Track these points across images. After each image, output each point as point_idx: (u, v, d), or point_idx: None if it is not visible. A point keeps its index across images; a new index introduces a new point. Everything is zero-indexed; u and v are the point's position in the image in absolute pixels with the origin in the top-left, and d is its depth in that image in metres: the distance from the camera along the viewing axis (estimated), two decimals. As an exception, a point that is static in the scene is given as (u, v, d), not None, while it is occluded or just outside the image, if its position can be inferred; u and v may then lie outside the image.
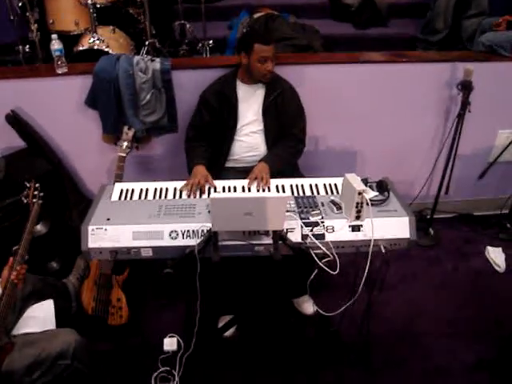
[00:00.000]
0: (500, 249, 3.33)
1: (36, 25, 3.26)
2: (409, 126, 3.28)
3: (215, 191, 2.28)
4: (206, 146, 2.68)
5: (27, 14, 3.21)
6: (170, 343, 2.38)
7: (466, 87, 2.94)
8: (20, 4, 3.20)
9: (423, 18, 3.85)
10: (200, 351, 2.30)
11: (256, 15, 3.85)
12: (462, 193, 3.60)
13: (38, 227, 2.79)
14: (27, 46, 3.43)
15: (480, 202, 3.70)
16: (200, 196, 2.23)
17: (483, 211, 3.71)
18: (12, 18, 3.24)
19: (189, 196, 2.22)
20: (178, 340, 2.37)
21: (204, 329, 2.25)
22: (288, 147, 2.69)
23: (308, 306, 2.82)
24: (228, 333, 2.63)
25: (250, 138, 2.68)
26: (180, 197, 2.21)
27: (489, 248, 3.35)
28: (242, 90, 2.65)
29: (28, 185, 2.36)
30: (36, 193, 2.34)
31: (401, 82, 3.12)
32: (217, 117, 2.66)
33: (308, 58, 3.26)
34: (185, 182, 2.31)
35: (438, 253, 3.37)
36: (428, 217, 3.48)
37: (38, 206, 2.32)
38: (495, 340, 2.70)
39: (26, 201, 2.33)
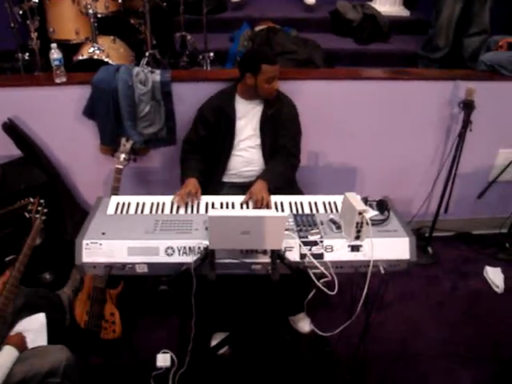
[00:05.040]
0: (499, 269, 3.30)
1: (36, 33, 3.22)
2: (409, 143, 3.27)
3: (213, 207, 2.25)
4: (200, 160, 2.66)
5: (27, 21, 3.18)
6: (163, 359, 2.34)
7: (467, 106, 2.93)
8: (21, 12, 3.16)
9: (425, 34, 3.85)
10: (193, 369, 2.26)
11: (257, 28, 3.84)
12: (461, 211, 3.58)
13: (32, 238, 2.75)
14: (26, 54, 3.40)
15: (479, 221, 3.68)
16: (186, 209, 2.21)
17: (482, 230, 3.69)
18: (12, 25, 3.21)
19: (179, 206, 2.21)
20: (171, 356, 2.33)
21: (198, 346, 2.21)
22: (284, 162, 2.66)
23: (304, 325, 2.78)
24: (222, 350, 2.59)
25: (247, 153, 2.66)
26: (177, 212, 2.17)
27: (487, 268, 3.32)
28: (241, 105, 2.63)
29: (32, 200, 2.34)
30: (40, 209, 2.32)
31: (402, 99, 3.11)
32: (214, 132, 2.64)
33: (308, 73, 3.25)
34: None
35: (437, 272, 3.34)
36: (427, 235, 3.46)
37: (41, 221, 2.30)
38: (493, 362, 2.67)
39: (28, 216, 2.30)
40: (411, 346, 2.77)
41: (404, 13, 4.48)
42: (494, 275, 3.26)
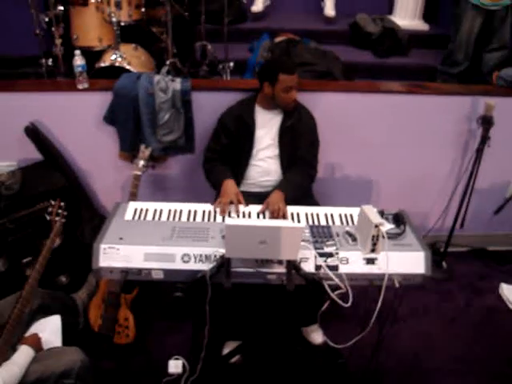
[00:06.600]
0: (515, 286, 3.27)
1: (60, 40, 3.30)
2: (426, 157, 3.26)
3: (230, 215, 2.26)
4: (226, 166, 2.68)
5: (52, 28, 3.26)
6: (175, 366, 2.34)
7: (486, 122, 2.92)
8: (47, 19, 3.25)
9: (444, 49, 3.85)
10: (205, 376, 2.27)
11: (277, 39, 3.86)
12: (476, 227, 3.56)
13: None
14: (50, 60, 3.46)
15: (495, 238, 3.65)
16: (203, 216, 2.23)
17: (498, 246, 3.66)
18: (37, 31, 3.28)
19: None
20: (183, 363, 2.34)
21: (210, 354, 2.22)
22: (302, 173, 2.67)
23: (317, 336, 2.78)
24: (234, 359, 2.59)
25: (265, 163, 2.67)
26: (194, 219, 2.19)
27: (503, 285, 3.28)
28: (261, 115, 2.65)
29: (53, 203, 2.37)
30: (60, 211, 2.35)
31: (420, 113, 3.10)
32: (234, 140, 2.66)
33: (327, 85, 3.25)
34: (201, 203, 2.31)
35: (451, 287, 3.31)
36: (441, 250, 3.43)
37: (61, 224, 2.33)
38: (506, 380, 2.63)
39: (48, 218, 2.34)
40: (424, 361, 2.75)
41: (424, 27, 4.47)
42: (510, 292, 3.22)
